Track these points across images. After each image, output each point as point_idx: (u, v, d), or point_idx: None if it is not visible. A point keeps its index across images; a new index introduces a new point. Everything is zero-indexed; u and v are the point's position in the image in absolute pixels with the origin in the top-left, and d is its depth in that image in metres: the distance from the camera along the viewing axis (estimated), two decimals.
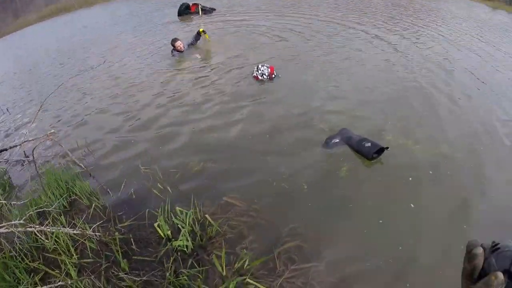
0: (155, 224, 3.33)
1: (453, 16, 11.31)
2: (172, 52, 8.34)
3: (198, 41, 8.65)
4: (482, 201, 3.48)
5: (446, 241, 3.04)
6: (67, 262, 2.99)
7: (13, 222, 3.00)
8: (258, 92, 5.95)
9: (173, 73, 7.40)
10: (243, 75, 6.63)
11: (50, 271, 3.03)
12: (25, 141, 4.73)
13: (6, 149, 5.14)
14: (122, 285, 2.89)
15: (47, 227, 3.14)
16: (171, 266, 2.98)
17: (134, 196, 3.92)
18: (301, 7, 12.27)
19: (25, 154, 4.98)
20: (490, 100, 5.52)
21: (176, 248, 3.13)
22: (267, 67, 6.31)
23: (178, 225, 3.29)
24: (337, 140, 4.32)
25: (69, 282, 2.87)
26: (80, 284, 2.88)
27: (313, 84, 6.07)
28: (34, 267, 3.11)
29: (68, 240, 3.21)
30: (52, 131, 4.90)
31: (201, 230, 3.29)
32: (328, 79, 6.28)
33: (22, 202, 3.61)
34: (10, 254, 3.16)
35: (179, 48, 8.20)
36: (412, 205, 3.40)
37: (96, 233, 3.30)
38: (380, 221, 3.24)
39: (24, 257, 3.16)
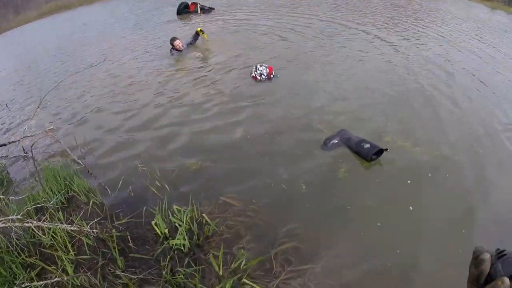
0: (153, 222, 3.32)
1: (452, 17, 11.33)
2: (171, 51, 8.35)
3: (197, 41, 8.67)
4: (481, 205, 3.47)
5: (445, 244, 3.04)
6: (64, 258, 2.99)
7: (10, 217, 2.99)
8: (256, 92, 5.94)
9: (172, 72, 7.39)
10: (242, 75, 6.63)
11: (46, 266, 3.02)
12: (24, 137, 4.73)
13: (5, 144, 5.13)
14: (118, 282, 2.88)
15: (45, 222, 3.13)
16: (167, 265, 2.98)
17: (132, 194, 3.92)
18: (300, 6, 12.28)
19: (23, 150, 4.97)
20: (490, 102, 5.51)
21: (173, 246, 3.12)
22: (266, 67, 6.31)
23: (176, 224, 3.29)
24: (336, 141, 4.31)
25: (65, 278, 2.86)
26: (76, 280, 2.88)
27: (313, 85, 6.06)
28: (30, 262, 3.10)
29: (65, 236, 3.21)
30: (51, 127, 4.90)
31: (198, 229, 3.28)
32: (327, 79, 6.28)
33: (20, 197, 3.60)
34: (7, 249, 3.16)
35: (178, 47, 8.21)
36: (411, 208, 3.40)
37: (93, 230, 3.29)
38: (378, 224, 3.24)
39: (20, 252, 3.16)
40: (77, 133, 5.38)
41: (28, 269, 3.06)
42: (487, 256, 0.77)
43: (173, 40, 8.21)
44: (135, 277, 2.88)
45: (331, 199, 3.59)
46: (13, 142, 5.08)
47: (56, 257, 3.09)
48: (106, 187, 4.01)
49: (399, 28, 9.55)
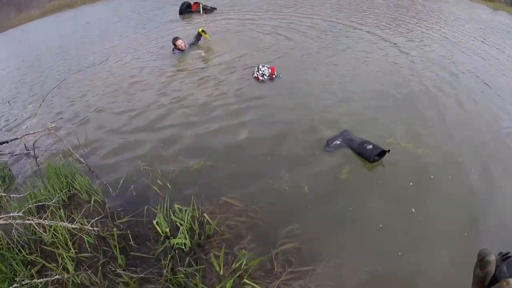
0: (154, 221, 3.32)
1: (455, 18, 11.33)
2: (173, 50, 8.36)
3: (199, 41, 8.67)
4: (484, 207, 3.45)
5: (447, 247, 3.03)
6: (65, 256, 2.99)
7: (11, 214, 2.99)
8: (259, 93, 5.93)
9: (174, 72, 7.38)
10: (244, 76, 6.62)
11: (47, 264, 3.02)
12: (26, 134, 4.72)
13: (7, 142, 5.13)
14: (119, 281, 2.88)
15: (46, 220, 3.13)
16: (168, 264, 2.97)
17: (133, 193, 3.92)
18: (303, 7, 12.26)
19: (25, 147, 4.97)
20: (495, 105, 5.50)
21: (174, 246, 3.12)
22: (268, 68, 6.30)
23: (177, 223, 3.28)
24: (338, 142, 4.30)
25: (66, 276, 2.86)
26: (76, 278, 2.88)
27: (315, 85, 6.05)
28: (31, 259, 3.10)
29: (66, 234, 3.20)
30: (53, 125, 4.89)
31: (199, 228, 3.28)
32: (330, 80, 6.26)
33: (22, 195, 3.60)
34: (8, 245, 3.15)
35: (180, 47, 8.21)
36: (413, 210, 3.38)
37: (94, 228, 3.29)
38: (380, 225, 3.23)
39: (21, 249, 3.16)
40: (79, 132, 5.40)
41: (29, 266, 3.06)
42: (492, 258, 0.79)
43: (175, 40, 8.21)
44: (136, 276, 2.88)
45: (333, 200, 3.58)
46: (15, 139, 5.08)
47: (57, 254, 3.10)
48: (108, 185, 4.01)
49: (402, 29, 9.54)
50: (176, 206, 3.44)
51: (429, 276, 2.81)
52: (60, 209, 3.53)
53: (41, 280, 2.84)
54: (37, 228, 3.12)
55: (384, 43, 8.22)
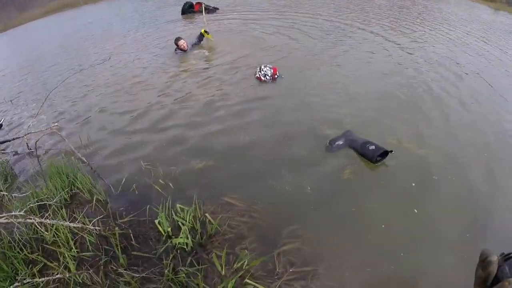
0: (156, 221, 3.31)
1: (457, 18, 11.31)
2: (175, 51, 8.36)
3: (202, 42, 8.67)
4: (486, 208, 3.44)
5: (449, 248, 3.02)
6: (66, 255, 2.98)
7: (13, 213, 2.99)
8: (261, 93, 5.93)
9: (176, 72, 7.39)
10: (247, 76, 6.61)
11: (48, 263, 3.02)
12: (28, 133, 4.73)
13: (9, 140, 5.14)
14: (120, 280, 2.87)
15: (47, 219, 3.13)
16: (170, 263, 2.97)
17: (135, 192, 3.92)
18: (305, 7, 12.26)
19: (27, 146, 4.98)
20: (498, 105, 5.48)
21: (176, 245, 3.11)
22: (270, 68, 6.30)
23: (179, 223, 3.28)
24: (341, 143, 4.30)
25: (67, 275, 2.86)
26: (78, 277, 2.88)
27: (318, 86, 6.04)
28: (32, 258, 3.10)
29: (68, 233, 3.20)
30: (56, 124, 4.90)
31: (201, 228, 3.27)
32: (333, 80, 6.25)
33: (24, 194, 3.60)
34: (9, 244, 3.15)
35: (182, 47, 8.21)
36: (415, 210, 3.38)
37: (96, 228, 3.28)
38: (383, 226, 3.22)
39: (23, 248, 3.15)
40: (82, 132, 5.40)
41: (30, 265, 3.06)
42: (494, 258, 0.79)
43: (177, 40, 8.21)
44: (137, 275, 2.87)
45: (335, 200, 3.57)
46: (17, 138, 5.08)
47: (58, 253, 3.09)
48: (110, 185, 4.01)
49: (405, 30, 9.52)
50: (178, 205, 3.44)
51: (430, 277, 2.80)
52: (62, 208, 3.53)
53: (43, 279, 2.84)
54: (39, 227, 3.12)
55: (387, 43, 8.21)
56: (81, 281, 2.87)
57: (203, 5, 11.18)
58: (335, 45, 8.15)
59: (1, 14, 23.09)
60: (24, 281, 2.76)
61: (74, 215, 3.45)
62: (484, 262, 0.82)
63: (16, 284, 2.73)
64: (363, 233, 3.20)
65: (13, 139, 5.08)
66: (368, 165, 4.02)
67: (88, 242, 3.19)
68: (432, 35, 9.09)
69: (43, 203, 3.51)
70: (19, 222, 3.07)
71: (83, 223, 3.25)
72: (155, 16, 13.80)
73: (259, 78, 6.32)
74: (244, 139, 4.69)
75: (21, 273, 2.92)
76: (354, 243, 3.13)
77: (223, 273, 2.86)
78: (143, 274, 2.90)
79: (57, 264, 3.00)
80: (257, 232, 3.28)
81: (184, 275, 2.82)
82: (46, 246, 3.21)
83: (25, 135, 4.72)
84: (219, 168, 4.20)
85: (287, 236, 3.20)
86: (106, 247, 3.19)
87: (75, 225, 3.20)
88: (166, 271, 2.89)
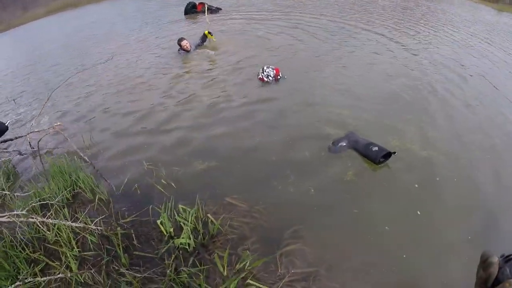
0: (158, 221, 3.31)
1: (461, 19, 11.30)
2: (178, 51, 8.36)
3: (204, 42, 8.67)
4: (489, 210, 3.43)
5: (451, 250, 3.01)
6: (68, 255, 2.98)
7: (15, 212, 2.99)
8: (264, 94, 5.92)
9: (179, 73, 7.38)
10: (250, 77, 6.60)
11: (50, 262, 3.02)
12: (31, 132, 4.74)
13: (11, 139, 5.15)
14: (122, 280, 2.87)
15: (49, 218, 3.13)
16: (172, 264, 2.97)
17: (137, 192, 3.91)
18: (309, 8, 12.25)
19: (30, 145, 4.98)
20: (503, 107, 5.45)
21: (178, 245, 3.11)
22: (272, 69, 6.29)
23: (181, 223, 3.28)
24: (344, 144, 4.28)
25: (69, 275, 2.86)
26: (80, 277, 2.87)
27: (321, 86, 6.02)
28: (34, 257, 3.10)
29: (69, 233, 3.20)
30: (58, 123, 4.90)
31: (203, 228, 3.27)
32: (336, 81, 6.24)
33: (26, 194, 3.60)
34: (11, 243, 3.15)
35: (185, 47, 8.21)
36: (418, 212, 3.37)
37: (98, 227, 3.28)
38: (386, 228, 3.21)
39: (25, 247, 3.15)
40: (84, 131, 5.41)
41: (32, 265, 3.06)
42: (495, 260, 0.80)
43: (180, 40, 8.21)
44: (139, 275, 2.87)
45: (338, 202, 3.56)
46: (19, 137, 5.09)
47: (60, 253, 3.09)
48: (112, 184, 4.01)
49: (409, 31, 9.50)
50: (180, 206, 3.44)
51: (432, 279, 2.79)
52: (64, 207, 3.53)
53: (44, 278, 2.83)
54: (41, 227, 3.12)
55: (391, 44, 8.19)
56: (82, 281, 2.87)
57: (206, 5, 11.20)
58: (340, 46, 8.13)
59: (4, 14, 23.17)
60: (26, 280, 2.76)
61: (76, 215, 3.45)
62: (485, 263, 0.83)
63: (18, 283, 2.73)
64: (365, 234, 3.19)
65: (16, 137, 5.09)
66: (371, 167, 4.01)
67: (90, 242, 3.19)
68: (436, 36, 9.07)
69: (45, 202, 3.50)
70: (21, 221, 3.06)
71: (85, 223, 3.25)
72: (158, 16, 13.82)
73: (261, 79, 6.31)
74: (247, 140, 4.68)
75: (22, 272, 2.92)
76: (356, 245, 3.11)
77: (225, 273, 2.86)
78: (145, 274, 2.89)
79: (59, 263, 3.00)
80: (259, 233, 3.27)
81: (186, 275, 2.82)
82: (48, 245, 3.20)
83: (28, 134, 4.73)
84: (221, 169, 4.19)
85: (289, 237, 3.19)
86: (108, 246, 3.19)
87: (77, 224, 3.20)
88: (168, 271, 2.89)
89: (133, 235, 3.29)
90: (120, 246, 3.08)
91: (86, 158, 4.32)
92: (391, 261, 2.93)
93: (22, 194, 3.60)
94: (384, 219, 3.30)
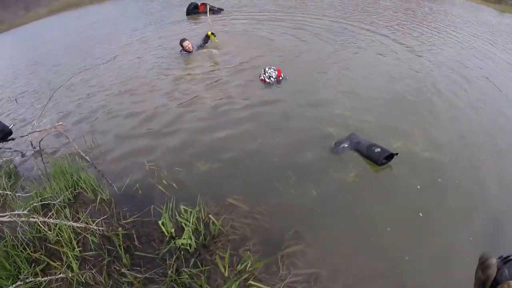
0: (160, 222, 3.31)
1: (463, 21, 11.29)
2: (180, 52, 8.36)
3: (206, 43, 8.66)
4: (491, 212, 3.43)
5: (453, 252, 3.01)
6: (69, 255, 2.98)
7: (16, 212, 2.99)
8: (265, 95, 5.91)
9: (181, 74, 7.35)
10: (252, 78, 6.59)
11: (51, 262, 3.02)
12: (32, 132, 4.73)
13: (13, 139, 5.15)
14: (123, 280, 2.87)
15: (51, 218, 3.13)
16: (173, 264, 2.96)
17: (139, 192, 3.91)
18: (311, 9, 12.24)
19: (32, 145, 4.97)
20: (507, 109, 5.44)
21: (179, 246, 3.10)
22: (274, 70, 6.28)
23: (182, 224, 3.27)
24: (346, 145, 4.28)
25: (70, 275, 2.86)
26: (81, 277, 2.87)
27: (323, 87, 6.02)
28: (35, 257, 3.10)
29: (71, 233, 3.20)
30: (60, 123, 4.89)
31: (204, 229, 3.27)
32: (340, 82, 6.22)
33: (28, 194, 3.60)
34: (12, 243, 3.15)
35: (187, 48, 8.20)
36: (420, 214, 3.36)
37: (100, 228, 3.28)
38: (388, 229, 3.20)
39: (26, 247, 3.15)
40: (86, 132, 5.41)
41: (33, 264, 3.06)
42: (494, 261, 0.82)
43: (182, 41, 8.20)
44: (140, 276, 2.87)
45: (340, 203, 3.55)
46: (21, 137, 5.09)
47: (61, 253, 3.09)
48: (114, 185, 4.00)
49: (413, 32, 9.48)
50: (181, 206, 3.43)
51: (434, 280, 2.79)
52: (65, 207, 3.53)
53: (45, 278, 2.83)
54: (42, 226, 3.11)
55: (395, 46, 8.17)
56: (84, 281, 2.87)
57: (208, 6, 11.20)
58: (342, 46, 8.11)
59: (6, 14, 23.21)
60: (27, 280, 2.76)
61: (77, 215, 3.45)
62: (483, 264, 0.84)
63: (19, 283, 2.73)
64: (367, 236, 3.19)
65: (17, 137, 5.09)
66: (374, 168, 4.00)
67: (91, 242, 3.19)
68: (439, 37, 9.05)
69: (46, 202, 3.50)
70: (22, 221, 3.06)
71: (87, 223, 3.24)
72: (161, 16, 13.81)
73: (263, 80, 6.30)
74: (249, 141, 4.67)
75: (23, 272, 2.92)
76: (358, 246, 3.11)
77: (226, 274, 2.85)
78: (146, 275, 2.89)
79: (60, 263, 3.00)
80: (261, 234, 3.27)
81: (187, 276, 2.82)
82: (49, 245, 3.20)
83: (29, 133, 4.73)
84: (223, 170, 4.18)
85: (290, 238, 3.19)
86: (109, 247, 3.18)
87: (78, 224, 3.19)
88: (169, 272, 2.88)
89: (134, 235, 3.28)
90: (121, 247, 3.08)
91: (88, 158, 4.32)
92: (393, 262, 2.93)
93: (24, 194, 3.60)
94: (386, 220, 3.29)
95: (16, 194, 3.74)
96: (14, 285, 2.68)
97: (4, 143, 5.22)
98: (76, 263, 2.98)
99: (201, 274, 2.83)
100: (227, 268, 2.88)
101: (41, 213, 3.48)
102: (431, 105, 5.37)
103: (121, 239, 3.17)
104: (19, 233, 3.18)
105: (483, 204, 3.53)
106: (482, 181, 3.84)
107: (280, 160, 4.24)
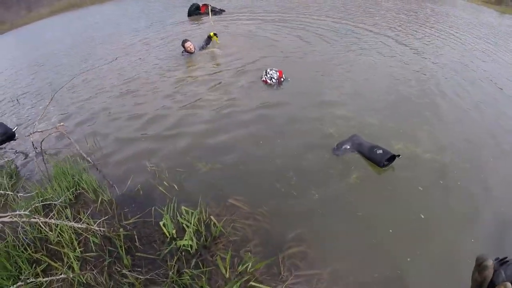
0: (161, 223, 3.30)
1: (465, 22, 11.27)
2: (182, 53, 8.36)
3: (208, 44, 8.66)
4: (493, 214, 3.42)
5: (454, 254, 2.99)
6: (70, 255, 2.98)
7: (17, 212, 2.99)
8: (267, 96, 5.91)
9: (183, 75, 7.35)
10: (254, 79, 6.59)
11: (52, 263, 3.02)
12: (34, 132, 4.74)
13: (15, 139, 5.15)
14: (124, 281, 2.86)
15: (52, 219, 3.13)
16: (174, 265, 2.96)
17: (140, 193, 3.91)
18: (314, 10, 12.24)
19: (33, 145, 4.98)
20: (510, 111, 5.42)
21: (181, 247, 3.10)
22: (276, 71, 6.28)
23: (183, 225, 3.27)
24: (348, 147, 4.27)
25: (71, 276, 2.85)
26: (82, 278, 2.87)
27: (325, 89, 6.01)
28: (36, 258, 3.09)
29: (72, 234, 3.20)
30: (62, 123, 4.90)
31: (205, 230, 3.26)
32: (341, 83, 6.22)
33: (29, 194, 3.60)
34: (13, 243, 3.15)
35: (189, 49, 8.20)
36: (422, 216, 3.35)
37: (101, 228, 3.28)
38: (390, 231, 3.19)
39: (27, 247, 3.16)
40: (87, 132, 5.42)
41: (34, 265, 3.06)
42: (490, 263, 0.83)
43: (184, 42, 8.21)
44: (141, 277, 2.86)
45: (342, 204, 3.55)
46: (22, 137, 5.09)
47: (62, 253, 3.09)
48: (115, 185, 4.00)
49: (415, 33, 9.47)
50: (183, 207, 3.43)
51: (436, 282, 2.78)
52: (66, 208, 3.53)
53: (46, 279, 2.83)
54: (43, 227, 3.12)
55: (398, 47, 8.16)
56: (85, 282, 2.87)
57: (209, 7, 11.21)
58: (345, 48, 8.11)
59: (8, 14, 23.28)
60: (28, 281, 2.76)
61: (78, 215, 3.44)
62: (480, 266, 0.85)
63: (20, 283, 2.72)
64: (369, 237, 3.17)
65: (19, 138, 5.09)
66: (375, 170, 4.00)
67: (92, 243, 3.19)
68: (442, 39, 9.03)
69: (48, 203, 3.51)
70: (23, 222, 3.06)
71: (88, 224, 3.24)
72: (162, 17, 13.82)
73: (265, 81, 6.30)
74: (250, 143, 4.67)
75: (24, 272, 2.93)
76: (359, 247, 3.10)
77: (227, 275, 2.85)
78: (147, 276, 2.89)
79: (61, 264, 3.00)
80: (262, 235, 3.27)
81: (188, 277, 2.81)
82: (50, 246, 3.20)
83: (31, 134, 4.73)
84: (225, 171, 4.18)
85: (292, 239, 3.18)
86: (110, 248, 3.18)
87: (79, 225, 3.19)
88: (170, 273, 2.88)
89: (136, 236, 3.28)
90: (123, 247, 3.08)
91: (89, 159, 4.33)
92: (395, 264, 2.92)
93: (25, 195, 3.59)
94: (387, 222, 3.29)
95: (18, 195, 3.74)
96: (15, 286, 2.67)
97: (6, 144, 5.23)
98: (77, 263, 2.98)
99: (202, 275, 2.83)
100: (228, 269, 2.88)
101: (42, 213, 3.49)
102: (433, 107, 5.35)
103: (122, 240, 3.17)
104: (20, 234, 3.18)
105: (485, 205, 3.52)
106: (484, 182, 3.82)
107: (281, 162, 4.24)
